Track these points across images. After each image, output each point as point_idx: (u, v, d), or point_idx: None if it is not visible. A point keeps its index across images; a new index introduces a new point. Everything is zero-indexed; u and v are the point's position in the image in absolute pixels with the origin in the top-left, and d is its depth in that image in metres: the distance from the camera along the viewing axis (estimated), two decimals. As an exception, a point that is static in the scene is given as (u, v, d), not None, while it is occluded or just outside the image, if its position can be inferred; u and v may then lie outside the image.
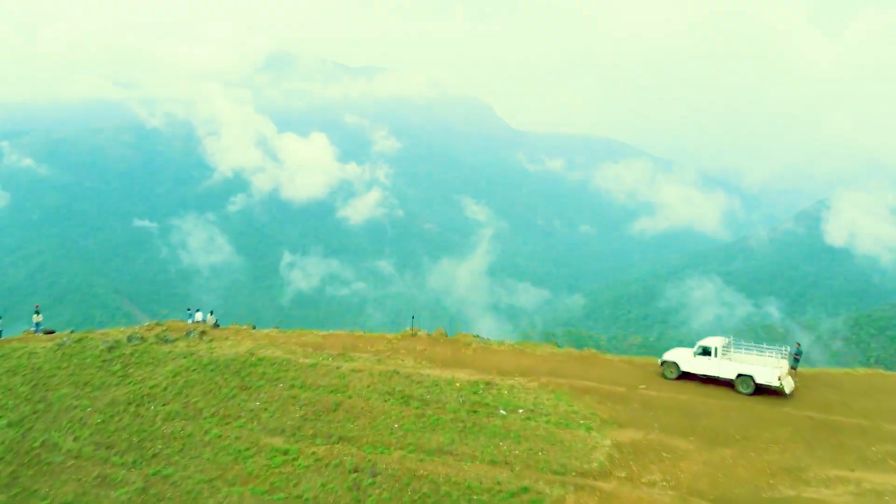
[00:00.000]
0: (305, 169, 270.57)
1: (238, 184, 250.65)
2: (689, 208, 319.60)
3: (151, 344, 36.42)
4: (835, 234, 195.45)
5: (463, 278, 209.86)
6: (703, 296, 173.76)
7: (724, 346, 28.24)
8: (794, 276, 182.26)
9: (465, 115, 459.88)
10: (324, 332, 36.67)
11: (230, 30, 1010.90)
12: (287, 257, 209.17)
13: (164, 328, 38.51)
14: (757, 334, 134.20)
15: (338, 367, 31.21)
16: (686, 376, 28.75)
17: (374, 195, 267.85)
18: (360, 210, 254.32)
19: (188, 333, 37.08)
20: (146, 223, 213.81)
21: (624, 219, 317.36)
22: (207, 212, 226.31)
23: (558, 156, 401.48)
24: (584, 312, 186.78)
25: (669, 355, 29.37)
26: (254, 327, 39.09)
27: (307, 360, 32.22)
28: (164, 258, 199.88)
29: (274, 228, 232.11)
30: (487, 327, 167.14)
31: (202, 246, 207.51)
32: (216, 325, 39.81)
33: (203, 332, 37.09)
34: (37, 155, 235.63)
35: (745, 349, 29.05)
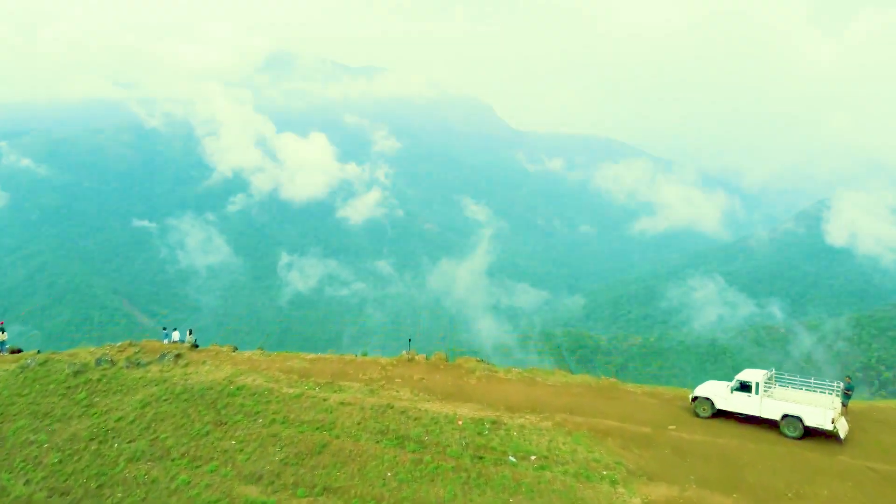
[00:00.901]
0: (305, 169, 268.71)
1: (237, 184, 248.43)
2: (689, 208, 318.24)
3: (122, 368, 33.03)
4: (835, 234, 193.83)
5: (463, 278, 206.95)
6: (705, 296, 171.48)
7: (765, 381, 24.58)
8: (794, 276, 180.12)
9: (465, 115, 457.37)
10: (311, 356, 33.13)
11: (230, 30, 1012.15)
12: (286, 258, 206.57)
13: (138, 349, 35.08)
14: (759, 334, 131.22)
15: (325, 399, 27.74)
16: (721, 413, 25.24)
17: (374, 195, 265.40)
18: (359, 210, 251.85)
19: (162, 356, 33.63)
20: (145, 223, 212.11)
21: (624, 219, 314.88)
22: (207, 212, 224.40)
23: (558, 156, 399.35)
24: (584, 313, 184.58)
25: (702, 390, 25.70)
26: (235, 349, 35.64)
27: (291, 390, 28.76)
28: (164, 258, 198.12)
29: (273, 228, 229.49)
30: (487, 328, 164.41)
31: (201, 246, 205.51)
32: (195, 346, 36.35)
33: (179, 355, 33.63)
34: (36, 155, 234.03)
35: (791, 384, 25.41)
